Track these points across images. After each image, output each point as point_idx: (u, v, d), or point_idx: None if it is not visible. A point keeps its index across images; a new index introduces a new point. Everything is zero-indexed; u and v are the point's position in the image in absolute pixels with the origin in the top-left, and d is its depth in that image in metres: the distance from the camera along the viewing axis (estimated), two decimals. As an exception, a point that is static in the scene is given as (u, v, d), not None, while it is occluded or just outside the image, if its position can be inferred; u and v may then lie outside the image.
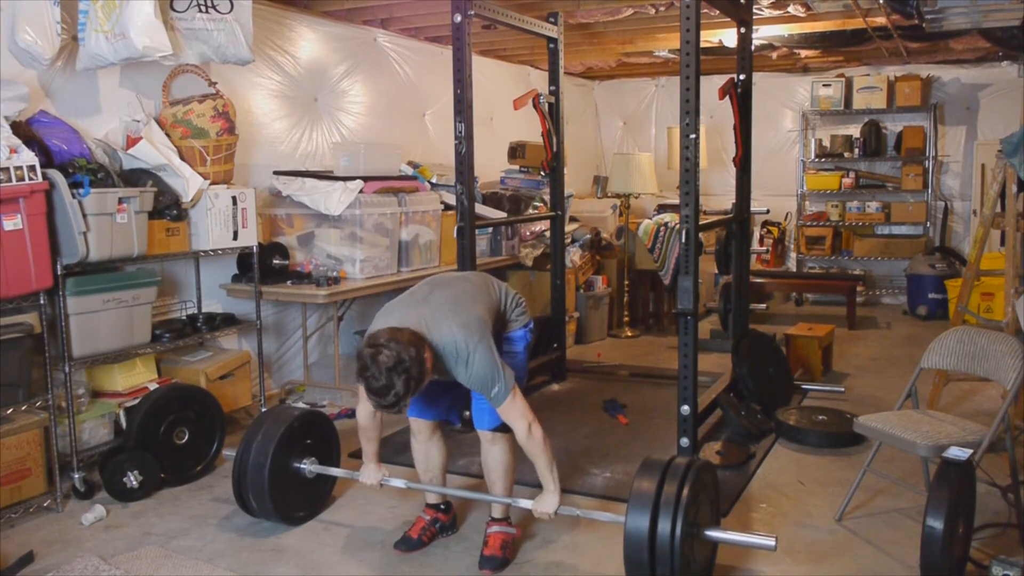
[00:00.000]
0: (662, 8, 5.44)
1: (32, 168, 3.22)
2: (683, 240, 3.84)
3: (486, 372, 2.68)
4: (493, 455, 2.96)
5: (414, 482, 3.17)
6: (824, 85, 8.18)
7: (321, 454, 3.39)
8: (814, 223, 8.42)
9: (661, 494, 2.50)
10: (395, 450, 4.13)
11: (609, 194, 7.63)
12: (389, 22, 5.90)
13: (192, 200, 4.01)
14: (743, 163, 4.94)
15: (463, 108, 4.27)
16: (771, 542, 2.58)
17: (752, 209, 5.19)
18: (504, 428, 2.88)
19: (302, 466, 3.28)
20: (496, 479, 2.99)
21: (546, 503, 2.80)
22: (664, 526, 2.45)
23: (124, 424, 3.76)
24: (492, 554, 2.96)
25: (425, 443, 3.12)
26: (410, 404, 2.98)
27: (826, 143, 8.37)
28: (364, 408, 3.01)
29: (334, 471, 3.34)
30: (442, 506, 3.21)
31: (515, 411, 2.74)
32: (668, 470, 2.59)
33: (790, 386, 5.05)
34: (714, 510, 2.77)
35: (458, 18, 4.27)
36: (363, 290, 4.82)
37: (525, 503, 2.87)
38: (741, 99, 4.79)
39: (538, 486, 2.79)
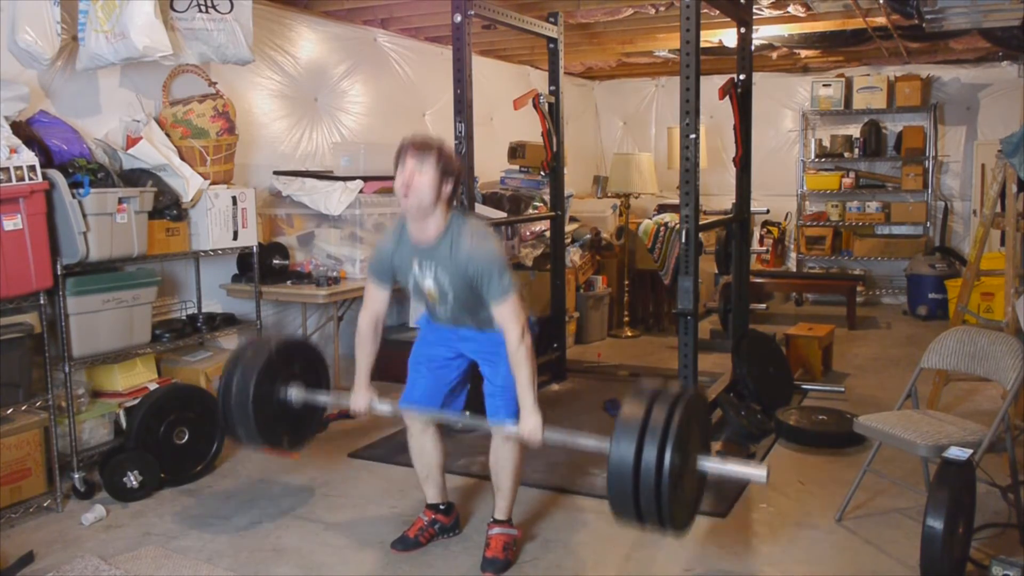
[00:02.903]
0: (662, 8, 5.44)
1: (32, 168, 3.22)
2: (683, 240, 3.84)
3: (497, 256, 2.69)
4: (506, 453, 2.94)
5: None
6: (824, 85, 8.18)
7: (308, 380, 3.15)
8: (814, 223, 8.42)
9: (648, 421, 2.29)
10: (395, 450, 4.13)
11: (609, 194, 7.63)
12: (389, 22, 5.90)
13: (192, 200, 4.01)
14: (743, 163, 4.94)
15: (463, 108, 4.28)
16: (762, 472, 2.44)
17: (752, 209, 5.19)
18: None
19: (288, 394, 3.05)
20: (504, 478, 2.97)
21: (529, 424, 2.70)
22: (650, 454, 2.24)
23: (124, 424, 3.76)
24: (494, 556, 2.94)
25: (419, 437, 3.07)
26: (407, 390, 3.01)
27: (826, 143, 8.37)
28: (368, 311, 2.98)
29: (321, 397, 3.11)
30: (442, 507, 3.18)
31: (515, 311, 2.71)
32: (656, 398, 2.36)
33: (790, 386, 5.05)
34: (704, 440, 2.55)
35: (458, 18, 4.27)
36: (363, 290, 4.81)
37: (510, 429, 2.78)
38: (741, 99, 4.79)
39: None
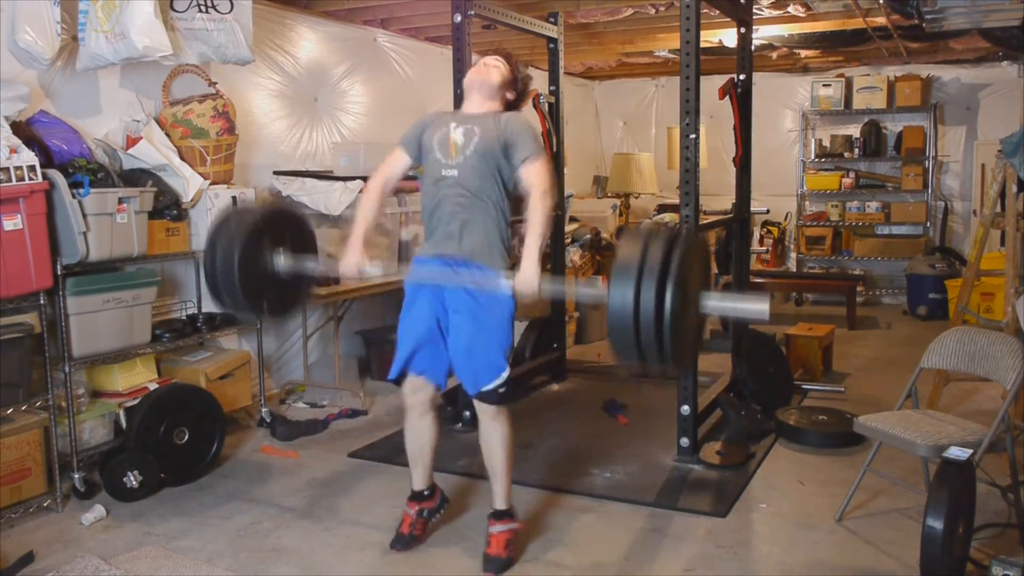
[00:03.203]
0: (662, 8, 5.44)
1: (32, 168, 3.22)
2: (683, 240, 3.83)
3: (535, 129, 2.93)
4: (496, 435, 2.89)
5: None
6: (824, 85, 8.18)
7: (296, 247, 3.04)
8: (814, 223, 8.42)
9: (646, 260, 2.19)
10: (396, 450, 4.13)
11: (609, 194, 7.64)
12: (389, 22, 5.90)
13: (192, 200, 4.01)
14: (743, 163, 4.94)
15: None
16: (764, 307, 2.35)
17: (752, 209, 5.19)
18: (507, 399, 2.85)
19: (275, 262, 2.95)
20: (497, 464, 2.92)
21: (528, 273, 2.67)
22: (648, 294, 2.15)
23: (124, 424, 3.76)
24: (496, 554, 2.90)
25: (418, 420, 3.03)
26: (417, 355, 2.93)
27: (826, 143, 8.37)
28: (381, 173, 3.03)
29: (309, 264, 3.01)
30: (426, 492, 3.13)
31: (543, 171, 2.79)
32: (652, 236, 2.26)
33: (790, 386, 5.05)
34: (705, 278, 2.46)
35: (458, 18, 4.28)
36: (363, 290, 4.82)
37: (506, 282, 2.73)
38: (741, 99, 4.79)
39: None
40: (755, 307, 2.37)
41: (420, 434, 3.06)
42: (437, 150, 2.90)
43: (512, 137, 2.82)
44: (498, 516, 2.98)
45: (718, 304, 2.43)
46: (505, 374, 2.84)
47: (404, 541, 3.09)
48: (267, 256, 2.93)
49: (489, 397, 2.85)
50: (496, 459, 2.93)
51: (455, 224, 2.84)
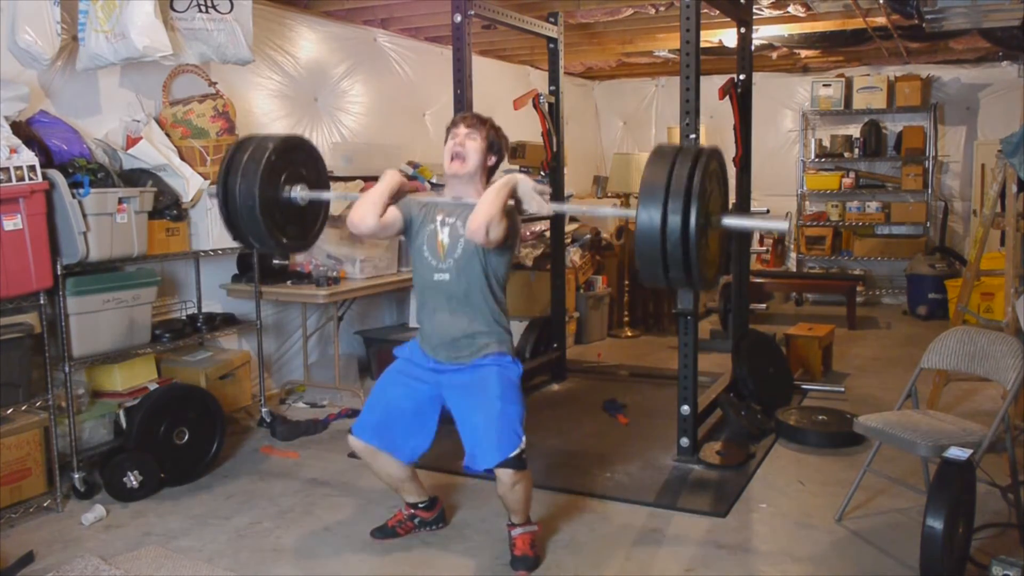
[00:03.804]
0: (662, 8, 5.44)
1: (32, 168, 3.22)
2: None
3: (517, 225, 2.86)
4: (517, 495, 2.83)
5: None
6: (824, 85, 8.18)
7: (309, 177, 3.03)
8: (814, 223, 8.42)
9: (671, 183, 2.24)
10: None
11: (609, 194, 7.63)
12: (389, 22, 5.90)
13: (192, 200, 4.01)
14: (743, 163, 4.94)
15: (463, 108, 4.28)
16: (783, 224, 2.45)
17: (752, 209, 5.19)
18: (522, 464, 2.76)
19: (293, 195, 2.92)
20: (517, 510, 2.92)
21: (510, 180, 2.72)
22: (674, 218, 2.21)
23: (124, 424, 3.76)
24: (524, 554, 2.92)
25: (371, 459, 2.97)
26: (390, 429, 2.90)
27: (826, 143, 8.38)
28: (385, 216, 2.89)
29: (326, 195, 3.07)
30: (422, 504, 3.16)
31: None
32: (677, 159, 2.30)
33: (790, 386, 5.05)
34: (723, 198, 2.50)
35: (458, 18, 4.28)
36: (363, 290, 4.82)
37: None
38: (741, 99, 4.79)
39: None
40: (774, 224, 2.47)
41: (383, 470, 3.02)
42: (427, 250, 2.86)
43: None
44: (517, 524, 2.98)
45: (739, 221, 2.49)
46: (523, 442, 2.77)
47: (385, 532, 3.13)
48: (283, 188, 2.91)
49: (511, 464, 2.74)
50: (518, 507, 2.92)
51: (452, 330, 2.83)
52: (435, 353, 2.89)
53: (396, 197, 2.91)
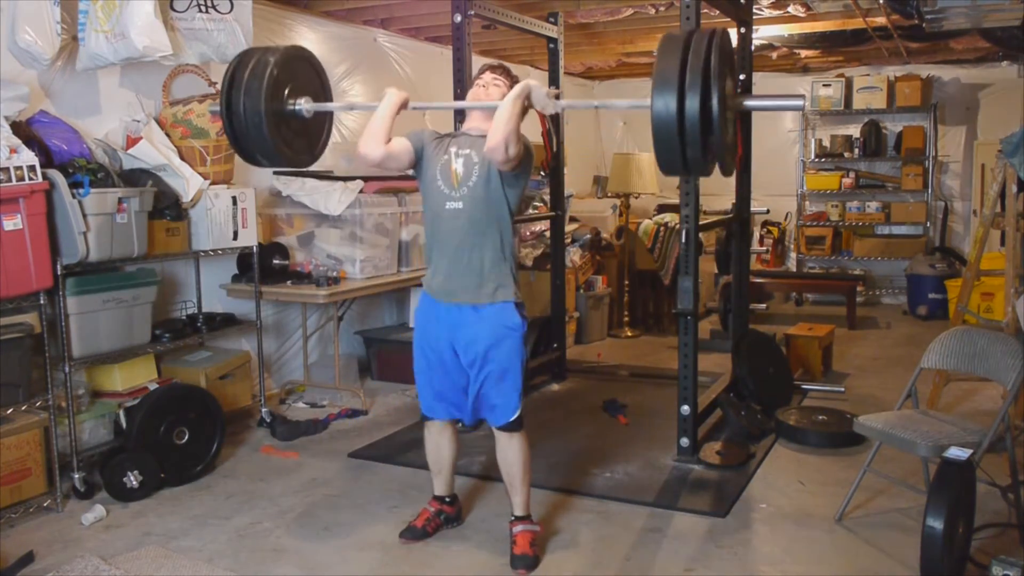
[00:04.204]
0: (662, 8, 5.44)
1: (32, 168, 3.22)
2: (683, 240, 3.84)
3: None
4: (513, 451, 2.98)
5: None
6: (824, 85, 8.18)
7: (312, 89, 3.01)
8: (814, 223, 8.42)
9: (687, 68, 2.16)
10: (396, 450, 4.14)
11: (609, 194, 7.63)
12: (389, 22, 5.90)
13: (192, 200, 4.01)
14: (743, 163, 4.94)
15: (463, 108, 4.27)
16: (799, 102, 2.43)
17: (752, 209, 5.19)
18: (519, 425, 2.95)
19: (298, 108, 2.90)
20: (516, 475, 3.00)
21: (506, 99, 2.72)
22: (692, 101, 2.14)
23: (124, 424, 3.76)
24: (523, 553, 2.95)
25: (436, 436, 3.15)
26: (444, 403, 3.04)
27: (826, 143, 8.38)
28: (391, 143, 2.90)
29: (331, 106, 3.10)
30: (447, 499, 3.23)
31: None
32: (691, 43, 2.22)
33: (790, 386, 5.05)
34: (734, 80, 2.43)
35: (458, 18, 4.28)
36: (363, 290, 4.82)
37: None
38: (741, 99, 4.78)
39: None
40: (792, 103, 2.45)
41: (440, 449, 3.17)
42: (440, 179, 2.89)
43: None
44: (519, 519, 3.04)
45: (755, 102, 2.49)
46: (521, 408, 2.96)
47: (415, 533, 3.15)
48: (288, 101, 2.87)
49: (508, 427, 2.96)
50: (515, 471, 3.01)
51: (464, 261, 2.86)
52: (446, 294, 2.91)
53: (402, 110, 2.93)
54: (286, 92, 2.86)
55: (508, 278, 2.91)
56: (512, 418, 2.94)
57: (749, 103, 2.41)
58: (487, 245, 2.86)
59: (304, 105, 2.90)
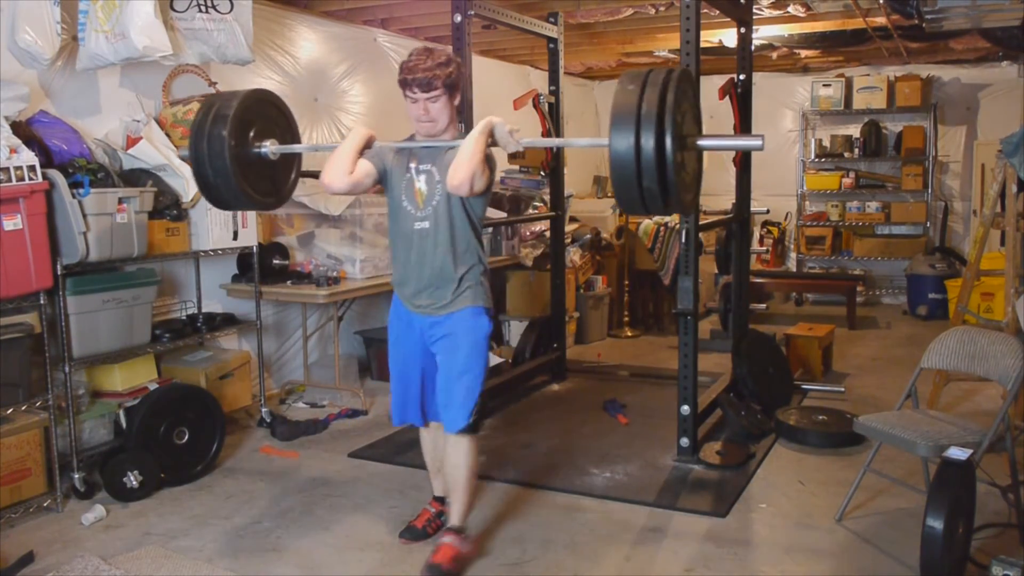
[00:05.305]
0: (662, 8, 5.44)
1: (32, 168, 3.22)
2: (683, 240, 3.84)
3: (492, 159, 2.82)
4: (460, 454, 2.89)
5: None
6: (824, 85, 8.19)
7: (279, 132, 3.00)
8: (814, 223, 8.42)
9: (642, 106, 2.18)
10: (396, 450, 4.14)
11: (609, 194, 7.63)
12: (389, 22, 5.90)
13: (192, 200, 4.00)
14: (743, 163, 4.94)
15: (463, 108, 4.27)
16: (758, 142, 2.36)
17: (752, 209, 5.19)
18: (472, 430, 2.88)
19: (263, 151, 2.89)
20: (459, 482, 2.92)
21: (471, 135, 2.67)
22: (648, 140, 2.15)
23: (124, 424, 3.76)
24: (439, 562, 2.84)
25: (432, 436, 3.16)
26: (411, 410, 3.04)
27: (826, 143, 8.38)
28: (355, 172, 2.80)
29: (296, 148, 3.03)
30: (447, 500, 3.19)
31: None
32: (647, 81, 2.24)
33: (790, 386, 5.05)
34: (696, 121, 2.44)
35: (458, 18, 4.28)
36: (363, 290, 4.82)
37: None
38: (741, 99, 4.78)
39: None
40: (750, 143, 2.43)
41: (436, 447, 3.15)
42: (406, 200, 2.86)
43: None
44: (453, 531, 2.95)
45: (713, 142, 2.45)
46: (475, 413, 2.87)
47: (415, 534, 3.14)
48: (253, 144, 2.86)
49: (461, 430, 2.88)
50: (459, 476, 2.92)
51: (437, 276, 2.85)
52: (416, 304, 2.92)
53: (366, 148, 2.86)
54: (251, 135, 2.87)
55: (479, 284, 2.91)
56: (467, 422, 2.85)
57: (705, 143, 2.39)
58: (458, 256, 2.85)
59: (269, 148, 2.91)
